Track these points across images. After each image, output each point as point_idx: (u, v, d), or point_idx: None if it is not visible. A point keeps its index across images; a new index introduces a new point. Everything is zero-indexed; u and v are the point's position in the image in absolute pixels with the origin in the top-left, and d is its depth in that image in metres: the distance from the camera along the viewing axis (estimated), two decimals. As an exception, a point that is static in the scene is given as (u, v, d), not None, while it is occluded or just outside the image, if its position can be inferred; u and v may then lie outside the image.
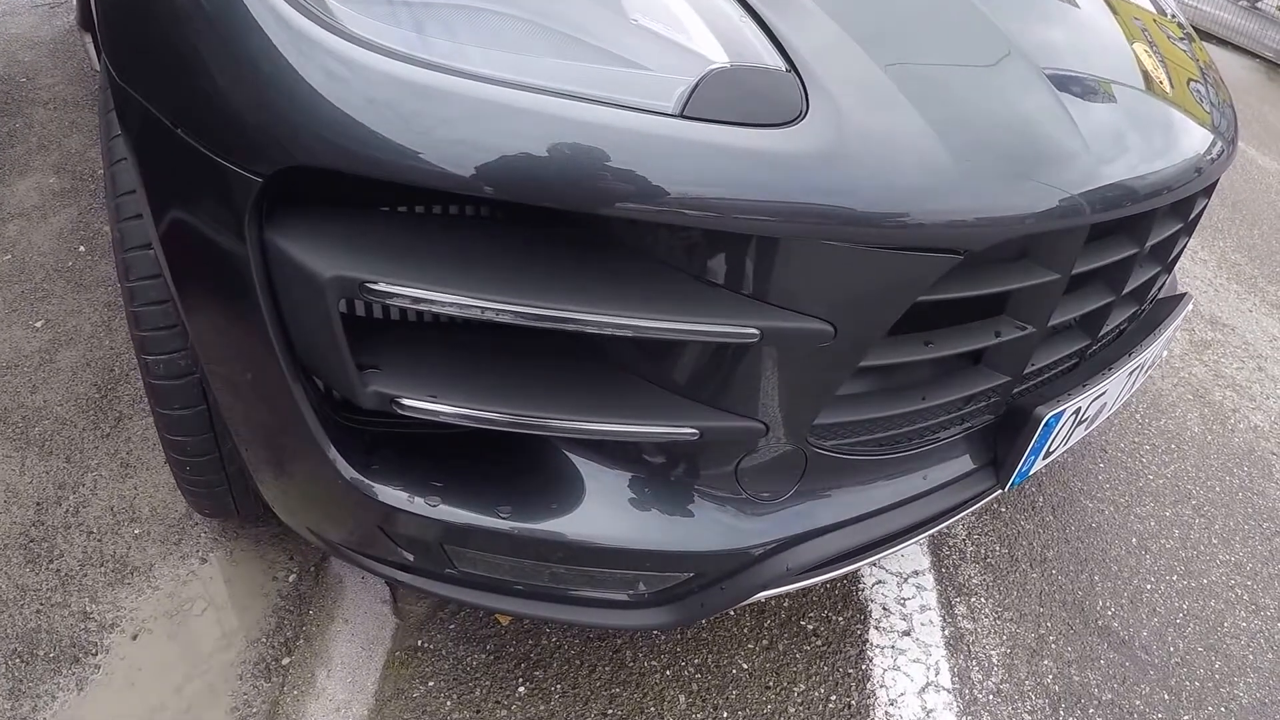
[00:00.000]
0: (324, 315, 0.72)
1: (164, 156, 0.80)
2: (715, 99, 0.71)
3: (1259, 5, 4.76)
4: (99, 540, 1.21)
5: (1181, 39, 1.27)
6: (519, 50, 0.71)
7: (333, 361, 0.75)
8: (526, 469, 0.84)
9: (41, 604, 1.13)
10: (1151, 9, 1.28)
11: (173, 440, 0.99)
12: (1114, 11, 1.12)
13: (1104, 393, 1.08)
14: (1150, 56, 1.08)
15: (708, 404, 0.79)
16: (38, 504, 1.25)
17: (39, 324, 1.58)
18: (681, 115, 0.70)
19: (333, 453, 0.79)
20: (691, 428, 0.78)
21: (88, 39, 2.18)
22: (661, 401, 0.79)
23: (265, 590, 1.18)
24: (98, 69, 2.18)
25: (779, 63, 0.75)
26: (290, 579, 1.21)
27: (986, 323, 0.94)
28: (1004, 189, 0.79)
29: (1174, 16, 1.35)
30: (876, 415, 0.88)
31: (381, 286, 0.71)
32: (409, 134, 0.67)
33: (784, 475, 0.87)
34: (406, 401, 0.75)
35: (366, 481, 0.80)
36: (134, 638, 1.10)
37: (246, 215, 0.72)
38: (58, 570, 1.17)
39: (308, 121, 0.68)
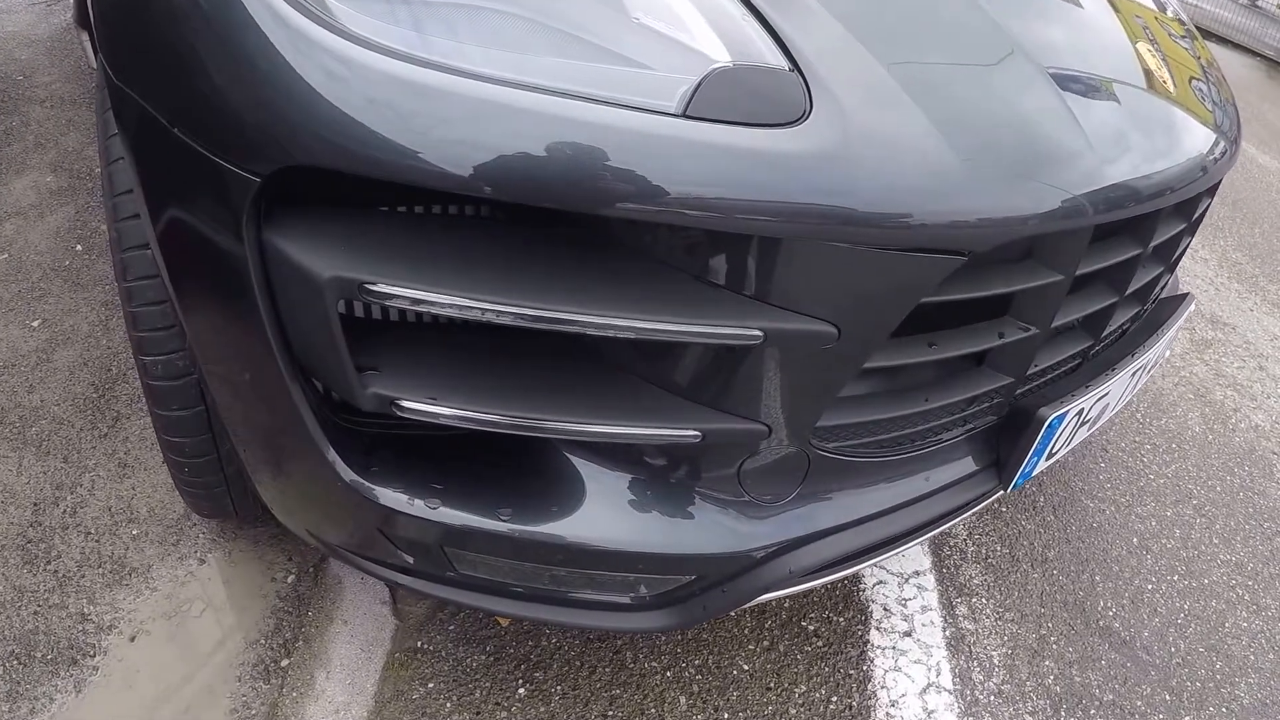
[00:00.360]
0: (323, 316, 0.72)
1: (161, 156, 0.79)
2: (718, 98, 0.71)
3: (1259, 3, 4.75)
4: (97, 541, 1.21)
5: (1183, 36, 1.26)
6: (520, 49, 0.70)
7: (331, 363, 0.74)
8: (527, 471, 0.83)
9: (39, 605, 1.12)
10: (1153, 6, 1.27)
11: (171, 441, 0.99)
12: (1116, 10, 1.11)
13: (1107, 393, 1.08)
14: (1153, 55, 1.08)
15: (710, 406, 0.79)
16: (35, 504, 1.25)
17: (36, 323, 1.57)
18: (684, 115, 0.70)
19: (332, 455, 0.79)
20: (694, 430, 0.77)
21: (84, 37, 2.17)
22: (663, 403, 0.78)
23: (264, 591, 1.17)
24: (94, 67, 2.17)
25: (782, 62, 0.74)
26: (289, 580, 1.20)
27: (990, 324, 0.93)
28: (1009, 190, 0.78)
29: (1175, 14, 1.35)
30: (879, 417, 0.88)
31: (381, 287, 0.70)
32: (408, 134, 0.66)
33: (786, 477, 0.86)
34: (406, 404, 0.74)
35: (366, 484, 0.79)
36: (132, 639, 1.09)
37: (244, 215, 0.72)
38: (55, 571, 1.16)
39: (306, 121, 0.68)
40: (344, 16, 0.70)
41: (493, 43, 0.70)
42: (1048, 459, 1.07)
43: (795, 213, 0.71)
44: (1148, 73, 1.03)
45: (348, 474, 0.79)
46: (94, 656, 1.07)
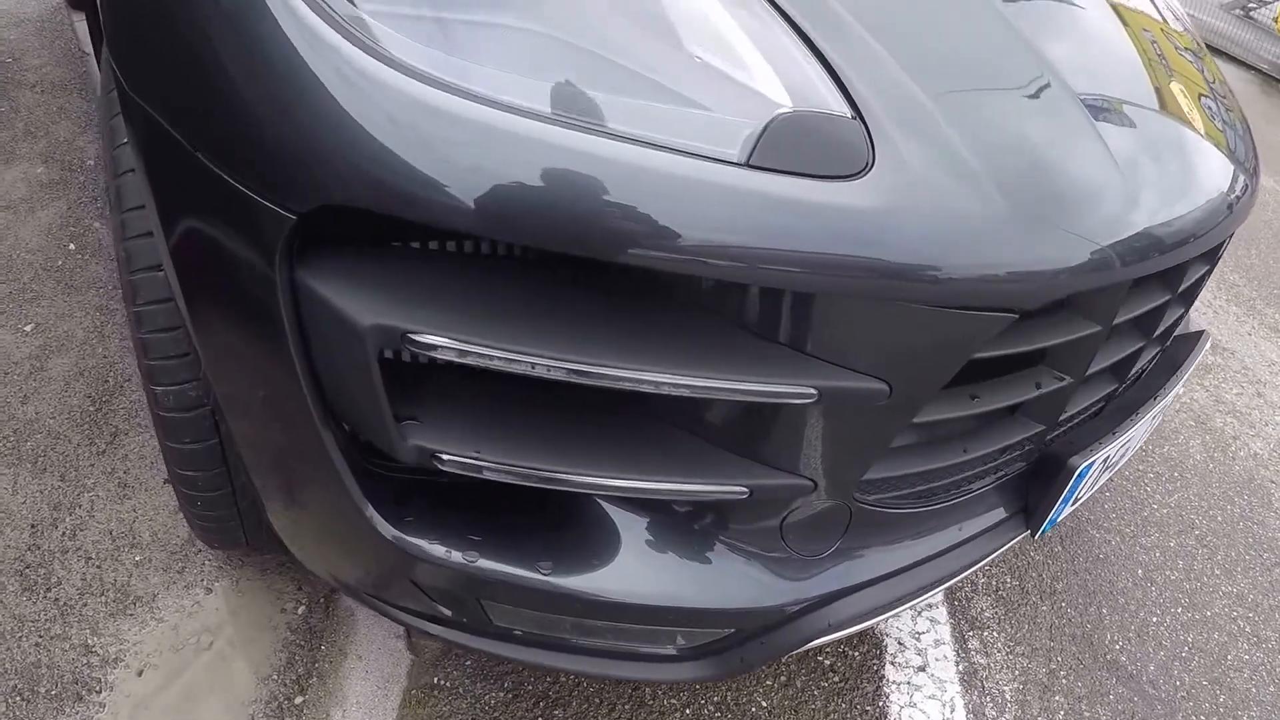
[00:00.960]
0: (362, 365, 0.69)
1: (181, 180, 0.75)
2: (781, 147, 0.68)
3: (1252, 14, 4.78)
4: (98, 567, 1.16)
5: (1188, 50, 1.26)
6: (579, 84, 0.67)
7: (369, 412, 0.71)
8: (564, 522, 0.81)
9: (41, 636, 1.08)
10: (1157, 17, 1.26)
11: (182, 475, 0.95)
12: (1131, 35, 1.09)
13: (1130, 439, 1.08)
14: (1186, 97, 1.07)
15: (757, 461, 0.77)
16: (33, 526, 1.20)
17: (28, 328, 1.51)
18: (748, 164, 0.67)
19: (370, 511, 0.75)
20: (742, 486, 0.75)
21: (77, 19, 2.08)
22: (711, 458, 0.76)
23: (274, 623, 1.14)
24: (86, 51, 2.08)
25: (844, 108, 0.72)
26: (299, 611, 1.17)
27: (1026, 374, 0.92)
28: (1064, 246, 0.77)
29: (1184, 28, 1.34)
30: (920, 469, 0.87)
31: (425, 338, 0.67)
32: (462, 175, 0.63)
33: (829, 530, 0.85)
34: (449, 457, 0.71)
35: (405, 537, 0.76)
36: (139, 674, 1.05)
37: (277, 255, 0.68)
38: (56, 599, 1.12)
39: (350, 156, 0.64)
40: (390, 42, 0.66)
41: (548, 76, 0.67)
42: (1074, 504, 1.07)
43: (856, 268, 0.69)
44: (1190, 118, 1.02)
45: (388, 530, 0.76)
46: (100, 692, 1.03)
